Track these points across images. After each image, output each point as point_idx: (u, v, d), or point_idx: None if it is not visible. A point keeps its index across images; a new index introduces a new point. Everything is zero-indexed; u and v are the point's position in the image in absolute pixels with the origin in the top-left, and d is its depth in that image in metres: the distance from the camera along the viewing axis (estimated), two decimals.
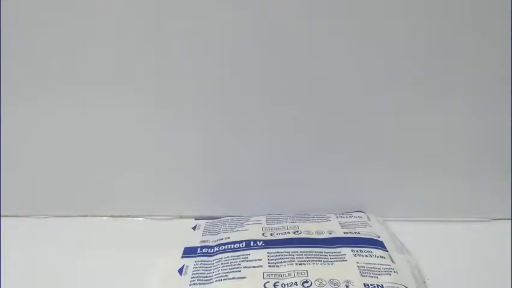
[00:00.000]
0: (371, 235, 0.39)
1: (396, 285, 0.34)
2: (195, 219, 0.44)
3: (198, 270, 0.37)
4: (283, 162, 0.42)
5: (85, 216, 0.44)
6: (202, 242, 0.40)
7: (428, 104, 0.41)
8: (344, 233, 0.39)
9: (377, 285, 0.34)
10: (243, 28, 0.39)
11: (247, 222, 0.41)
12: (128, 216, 0.44)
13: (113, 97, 0.42)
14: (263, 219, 0.42)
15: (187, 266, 0.37)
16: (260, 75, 0.41)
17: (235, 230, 0.40)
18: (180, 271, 0.37)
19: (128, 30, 0.40)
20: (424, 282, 0.36)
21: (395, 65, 0.39)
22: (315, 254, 0.37)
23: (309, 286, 0.34)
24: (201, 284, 0.35)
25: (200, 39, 0.40)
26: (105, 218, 0.44)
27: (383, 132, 0.42)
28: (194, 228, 0.42)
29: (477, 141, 0.42)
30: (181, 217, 0.44)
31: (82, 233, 0.42)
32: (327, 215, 0.42)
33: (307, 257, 0.36)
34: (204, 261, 0.38)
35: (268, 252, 0.37)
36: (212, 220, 0.43)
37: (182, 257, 0.38)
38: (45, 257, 0.40)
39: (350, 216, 0.42)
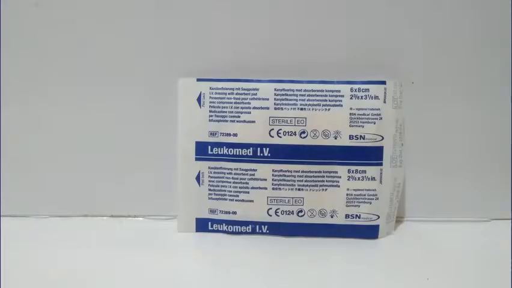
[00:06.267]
0: (374, 139, 0.38)
1: (370, 216, 0.38)
2: (197, 80, 0.39)
3: (212, 180, 0.39)
4: None
5: (85, 216, 0.43)
6: (211, 134, 0.39)
7: (427, 103, 0.40)
8: (350, 138, 0.38)
9: (356, 215, 0.38)
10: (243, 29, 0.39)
11: (254, 102, 0.38)
12: (129, 216, 0.43)
13: (114, 97, 0.40)
14: (271, 96, 0.38)
15: (203, 173, 0.39)
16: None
17: (241, 117, 0.38)
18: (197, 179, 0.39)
19: (129, 32, 0.39)
20: (396, 207, 0.39)
21: (393, 62, 0.39)
22: (314, 176, 0.38)
23: (303, 215, 0.38)
24: (218, 199, 0.39)
25: (200, 41, 0.39)
26: (105, 218, 0.43)
27: None
28: (199, 99, 0.39)
29: (477, 140, 0.41)
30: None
31: (82, 233, 0.41)
32: (341, 93, 0.38)
33: (306, 181, 0.38)
34: (216, 167, 0.39)
35: (273, 170, 0.38)
36: (216, 88, 0.39)
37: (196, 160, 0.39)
38: (45, 257, 0.38)
39: (366, 97, 0.38)
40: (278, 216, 0.38)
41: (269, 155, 0.38)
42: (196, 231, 0.40)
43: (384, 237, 0.39)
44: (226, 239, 0.39)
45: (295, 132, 0.37)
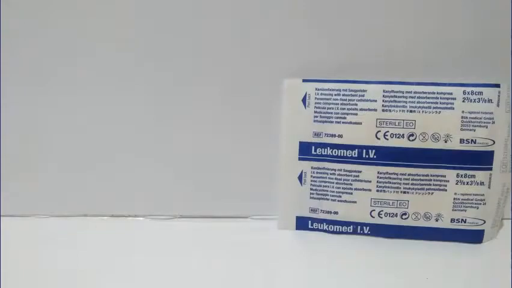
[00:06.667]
0: (486, 144, 0.37)
1: (476, 220, 0.38)
2: (303, 80, 0.39)
3: (315, 180, 0.39)
4: None
5: (85, 216, 0.42)
6: (315, 134, 0.38)
7: None
8: (460, 141, 0.37)
9: (462, 220, 0.38)
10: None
11: (361, 104, 0.38)
12: (129, 216, 0.43)
13: (114, 97, 0.39)
14: (379, 97, 0.38)
15: (305, 173, 0.39)
16: (261, 79, 0.39)
17: (347, 119, 0.38)
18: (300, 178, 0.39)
19: (129, 34, 0.38)
20: (502, 212, 0.39)
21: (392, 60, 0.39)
22: (421, 179, 0.37)
23: (407, 218, 0.38)
24: (319, 199, 0.39)
25: (201, 42, 0.39)
26: (105, 218, 0.42)
27: None
28: (304, 100, 0.39)
29: None
30: (181, 217, 0.43)
31: (81, 233, 0.41)
32: (453, 96, 0.37)
33: (412, 184, 0.37)
34: (319, 167, 0.38)
35: (378, 172, 0.37)
36: (322, 89, 0.39)
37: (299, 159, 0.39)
38: (45, 257, 0.38)
39: (479, 100, 0.37)
40: (381, 218, 0.38)
41: (375, 157, 0.37)
42: (296, 229, 0.40)
43: (488, 241, 0.39)
44: (326, 237, 0.39)
45: (403, 134, 0.37)
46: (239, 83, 0.39)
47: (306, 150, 0.38)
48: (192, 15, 0.38)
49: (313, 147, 0.38)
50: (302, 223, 0.40)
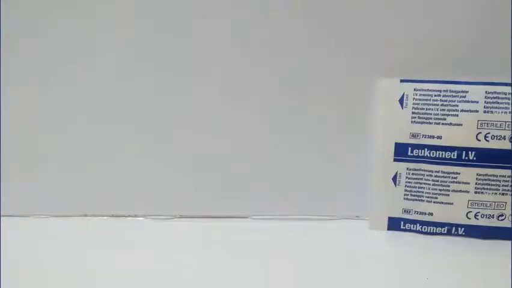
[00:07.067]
0: None
1: None
2: (401, 81, 0.38)
3: (409, 181, 0.38)
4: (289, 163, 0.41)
5: (85, 216, 0.42)
6: (412, 136, 0.38)
7: None
8: None
9: None
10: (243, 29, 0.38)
11: (461, 104, 0.37)
12: (129, 216, 0.43)
13: (114, 97, 0.39)
14: (481, 99, 0.37)
15: (400, 174, 0.38)
16: (263, 76, 0.39)
17: (447, 120, 0.37)
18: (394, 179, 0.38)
19: (129, 34, 0.38)
20: None
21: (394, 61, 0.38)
22: None
23: (503, 219, 0.37)
24: (414, 200, 0.38)
25: (201, 42, 0.39)
26: (105, 217, 0.42)
27: None
28: (401, 101, 0.39)
29: None
30: (181, 217, 0.43)
31: (82, 233, 0.41)
32: None
33: (511, 185, 0.36)
34: (415, 169, 0.38)
35: (477, 174, 0.37)
36: (421, 90, 0.38)
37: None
38: (46, 257, 0.37)
39: None
40: (477, 219, 0.37)
41: (474, 158, 0.37)
42: (388, 229, 0.40)
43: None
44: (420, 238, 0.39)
45: (504, 136, 0.36)
46: (239, 83, 0.39)
47: (401, 151, 0.38)
48: (192, 15, 0.38)
49: (409, 149, 0.38)
50: (394, 223, 0.39)
